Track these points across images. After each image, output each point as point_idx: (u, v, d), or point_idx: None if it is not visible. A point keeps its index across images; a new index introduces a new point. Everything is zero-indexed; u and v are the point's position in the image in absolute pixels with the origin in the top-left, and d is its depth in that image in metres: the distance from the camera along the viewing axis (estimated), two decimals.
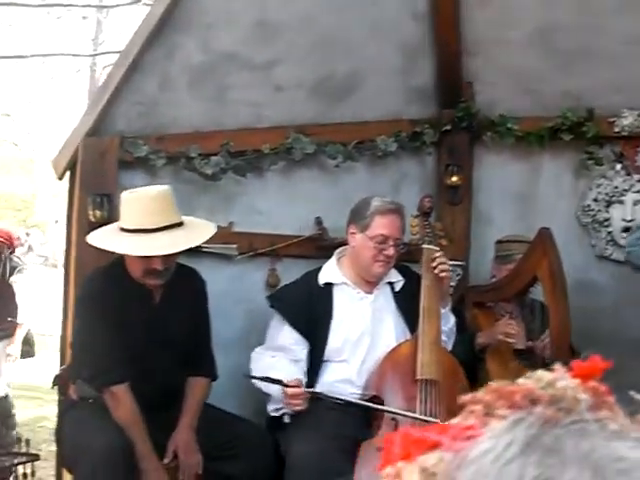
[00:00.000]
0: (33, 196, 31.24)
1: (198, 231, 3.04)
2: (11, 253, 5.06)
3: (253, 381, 3.13)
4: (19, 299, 5.03)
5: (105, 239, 3.02)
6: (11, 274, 4.94)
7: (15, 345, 5.07)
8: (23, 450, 2.55)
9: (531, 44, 3.87)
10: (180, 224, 2.96)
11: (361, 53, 3.89)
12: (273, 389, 3.04)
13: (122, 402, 2.93)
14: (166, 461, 2.97)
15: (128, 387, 2.94)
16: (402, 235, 3.24)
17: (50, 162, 3.87)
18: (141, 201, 2.94)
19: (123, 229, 2.94)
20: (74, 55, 13.24)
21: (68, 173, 3.63)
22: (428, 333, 3.09)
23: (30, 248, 26.78)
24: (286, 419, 3.08)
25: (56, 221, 25.89)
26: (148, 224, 2.88)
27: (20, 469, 2.52)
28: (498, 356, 3.43)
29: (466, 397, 0.56)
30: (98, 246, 3.01)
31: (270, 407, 3.14)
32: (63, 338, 3.67)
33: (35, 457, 2.53)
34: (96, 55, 15.47)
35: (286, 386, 2.95)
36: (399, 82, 3.97)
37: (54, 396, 7.91)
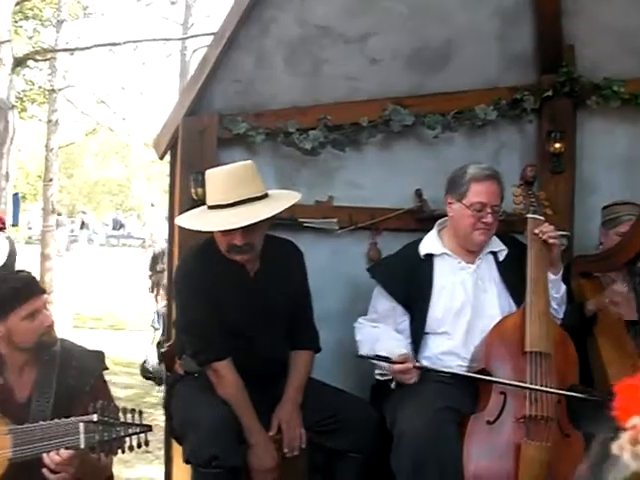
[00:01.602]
0: (128, 180, 32.17)
1: (277, 203, 2.95)
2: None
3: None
4: None
5: (188, 218, 3.04)
6: None
7: None
8: (137, 421, 2.59)
9: (635, 0, 3.71)
10: (262, 197, 2.92)
11: (456, 21, 3.82)
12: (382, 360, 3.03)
13: (225, 378, 2.96)
14: (271, 434, 3.00)
15: (230, 363, 2.97)
16: (500, 201, 3.17)
17: (151, 143, 3.95)
18: (221, 176, 2.93)
19: (208, 206, 2.96)
20: (164, 40, 13.46)
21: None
22: (536, 304, 3.01)
23: (85, 225, 27.92)
24: (392, 385, 3.07)
25: (152, 204, 26.66)
26: (226, 199, 2.87)
27: (134, 440, 2.57)
28: (608, 327, 3.33)
29: None
30: (180, 225, 3.06)
31: (377, 371, 3.14)
32: (169, 316, 3.76)
33: (148, 428, 2.58)
34: (186, 39, 15.71)
35: (394, 363, 2.94)
36: (497, 48, 3.88)
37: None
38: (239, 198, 2.86)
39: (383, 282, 3.21)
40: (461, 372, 3.02)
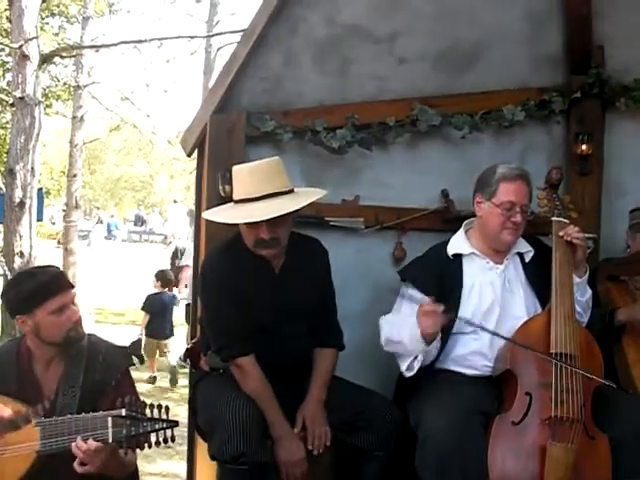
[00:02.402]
0: (151, 177, 32.29)
1: (303, 198, 2.97)
2: None
3: (386, 346, 3.14)
4: None
5: (215, 212, 3.07)
6: None
7: None
8: (163, 417, 2.60)
9: None
10: (288, 192, 2.95)
11: (485, 21, 3.81)
12: (406, 335, 3.01)
13: (249, 374, 2.98)
14: (296, 431, 3.01)
15: (254, 359, 2.99)
16: (529, 201, 3.16)
17: (174, 140, 3.96)
18: (248, 171, 2.95)
19: (235, 201, 2.98)
20: (189, 37, 13.50)
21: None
22: (561, 306, 2.99)
23: (100, 221, 28.33)
24: (416, 365, 3.06)
25: (174, 200, 26.79)
26: (252, 193, 2.90)
27: (160, 435, 2.58)
28: (637, 334, 3.31)
29: None
30: (207, 218, 3.08)
31: (403, 366, 3.10)
32: (193, 312, 3.78)
33: (174, 423, 2.59)
34: (211, 36, 15.74)
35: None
36: (526, 49, 3.86)
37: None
38: (265, 192, 2.89)
39: (417, 283, 3.19)
40: (491, 330, 2.99)
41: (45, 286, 2.72)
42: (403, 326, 3.04)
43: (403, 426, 3.05)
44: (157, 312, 8.14)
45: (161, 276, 8.48)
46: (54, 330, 2.74)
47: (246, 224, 2.93)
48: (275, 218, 2.85)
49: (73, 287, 2.83)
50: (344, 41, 3.66)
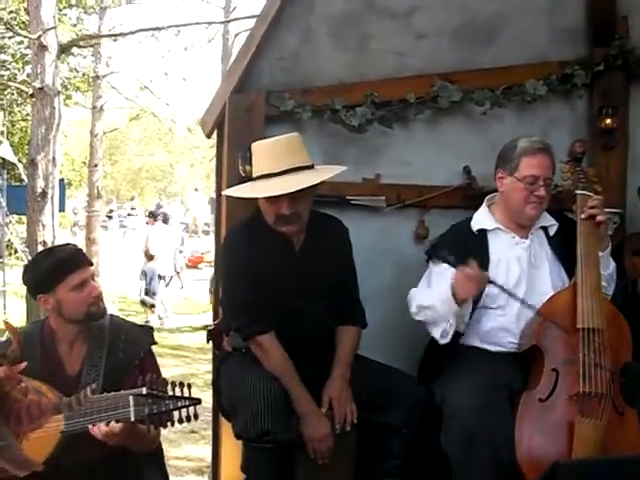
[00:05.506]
0: (172, 166, 32.39)
1: (323, 172, 2.97)
2: None
3: (417, 315, 3.10)
4: None
5: (236, 189, 3.06)
6: None
7: None
8: (185, 395, 2.59)
9: None
10: (308, 167, 2.94)
11: None
12: (436, 299, 2.99)
13: (269, 351, 2.97)
14: (323, 411, 2.99)
15: (274, 336, 2.98)
16: (552, 174, 3.12)
17: (194, 128, 3.94)
18: (267, 147, 2.95)
19: (254, 178, 2.97)
20: (207, 23, 13.47)
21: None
22: (587, 280, 2.95)
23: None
24: (450, 330, 3.00)
25: (195, 189, 26.85)
26: (273, 168, 2.89)
27: (183, 412, 2.58)
28: None
29: None
30: (228, 194, 3.08)
31: (437, 333, 3.04)
32: (216, 294, 3.77)
33: (197, 401, 2.59)
34: (229, 22, 15.72)
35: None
36: (547, 21, 3.81)
37: (200, 355, 8.25)
38: (285, 167, 2.88)
39: (447, 260, 3.12)
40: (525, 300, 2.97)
41: (64, 262, 2.73)
42: (433, 292, 3.03)
43: (428, 403, 3.02)
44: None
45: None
46: (76, 306, 2.74)
47: (266, 200, 2.92)
48: (295, 193, 2.83)
49: (92, 264, 2.85)
50: (362, 17, 3.63)
